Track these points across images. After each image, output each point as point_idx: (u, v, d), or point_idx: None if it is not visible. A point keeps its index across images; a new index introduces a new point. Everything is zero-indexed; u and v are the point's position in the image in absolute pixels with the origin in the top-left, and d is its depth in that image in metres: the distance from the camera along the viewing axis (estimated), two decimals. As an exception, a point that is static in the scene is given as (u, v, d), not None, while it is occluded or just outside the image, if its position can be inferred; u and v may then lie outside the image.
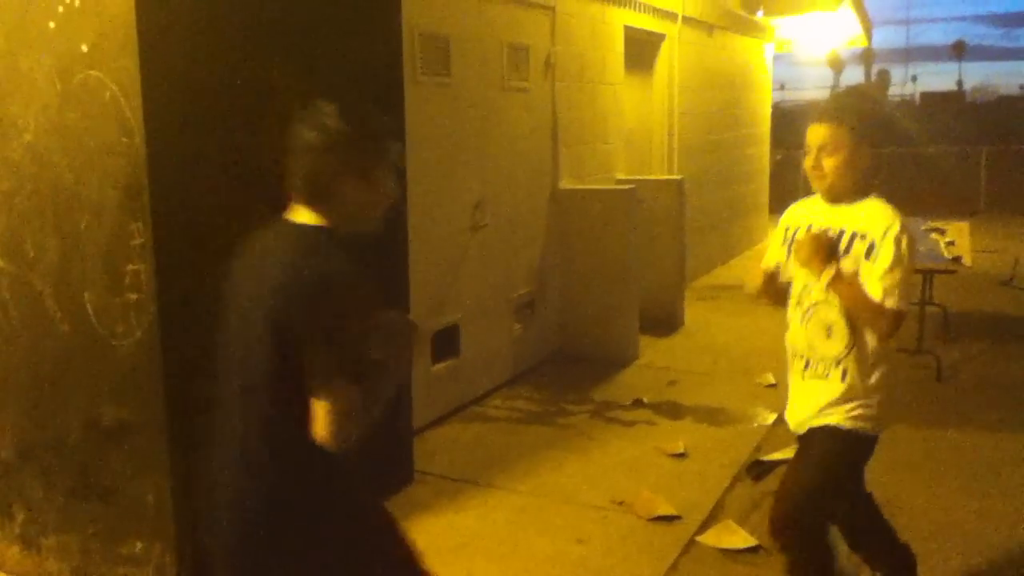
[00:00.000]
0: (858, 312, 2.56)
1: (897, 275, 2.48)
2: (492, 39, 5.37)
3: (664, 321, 6.95)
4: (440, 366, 5.09)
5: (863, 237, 2.54)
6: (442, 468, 4.39)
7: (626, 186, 6.25)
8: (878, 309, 2.50)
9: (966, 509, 3.87)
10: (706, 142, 9.24)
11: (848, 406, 2.61)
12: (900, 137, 17.29)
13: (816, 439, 2.68)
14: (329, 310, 1.78)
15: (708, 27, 9.05)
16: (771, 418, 4.99)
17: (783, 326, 2.78)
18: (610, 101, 6.94)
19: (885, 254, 2.49)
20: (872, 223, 2.55)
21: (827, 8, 10.81)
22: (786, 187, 12.42)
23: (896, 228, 2.51)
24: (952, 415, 5.03)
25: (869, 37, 12.65)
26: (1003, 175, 15.04)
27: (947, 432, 4.78)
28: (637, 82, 7.85)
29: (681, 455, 4.48)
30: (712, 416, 5.08)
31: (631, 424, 4.98)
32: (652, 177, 7.71)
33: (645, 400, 5.33)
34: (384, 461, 4.05)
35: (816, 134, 2.58)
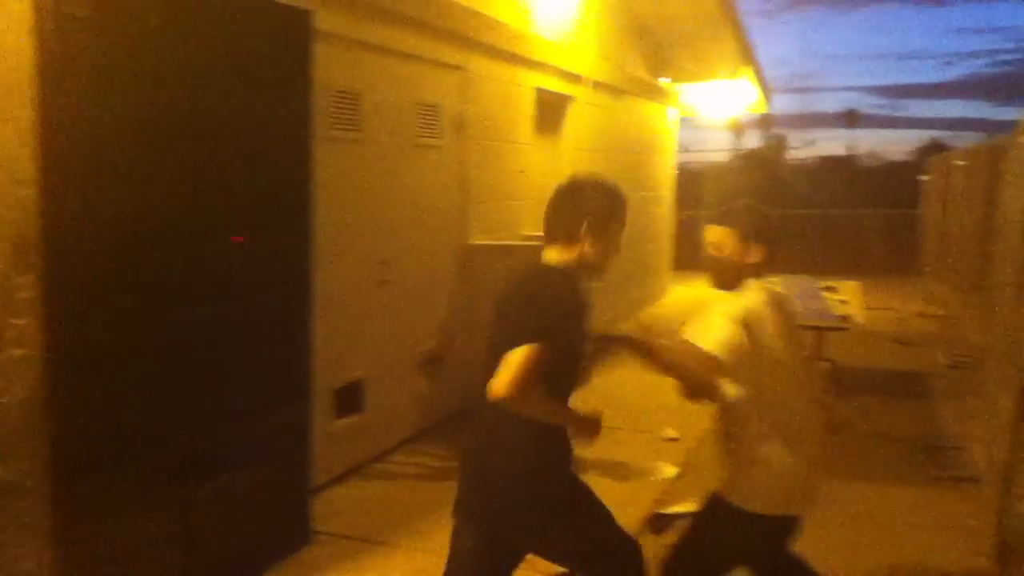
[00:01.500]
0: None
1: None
2: (404, 97, 5.44)
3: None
4: (342, 422, 5.02)
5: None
6: (342, 528, 4.30)
7: (535, 242, 6.34)
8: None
9: (853, 558, 4.01)
10: (612, 201, 9.48)
11: None
12: (797, 199, 18.15)
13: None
14: (550, 312, 2.44)
15: (615, 91, 9.37)
16: (672, 472, 5.08)
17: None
18: (519, 160, 7.08)
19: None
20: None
21: (728, 77, 11.37)
22: (693, 246, 12.82)
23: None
24: (842, 467, 5.22)
25: (766, 104, 13.31)
26: (894, 237, 15.93)
27: (837, 484, 4.96)
28: (546, 142, 8.04)
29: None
30: (614, 471, 5.14)
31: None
32: (559, 235, 7.85)
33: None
34: (279, 521, 3.96)
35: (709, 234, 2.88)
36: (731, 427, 2.73)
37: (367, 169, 5.11)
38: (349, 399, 5.08)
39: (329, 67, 4.64)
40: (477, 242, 6.31)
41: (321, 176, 4.34)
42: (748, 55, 11.22)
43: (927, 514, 4.55)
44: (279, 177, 3.77)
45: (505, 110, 6.80)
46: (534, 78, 7.26)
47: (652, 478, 5.05)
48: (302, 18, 3.85)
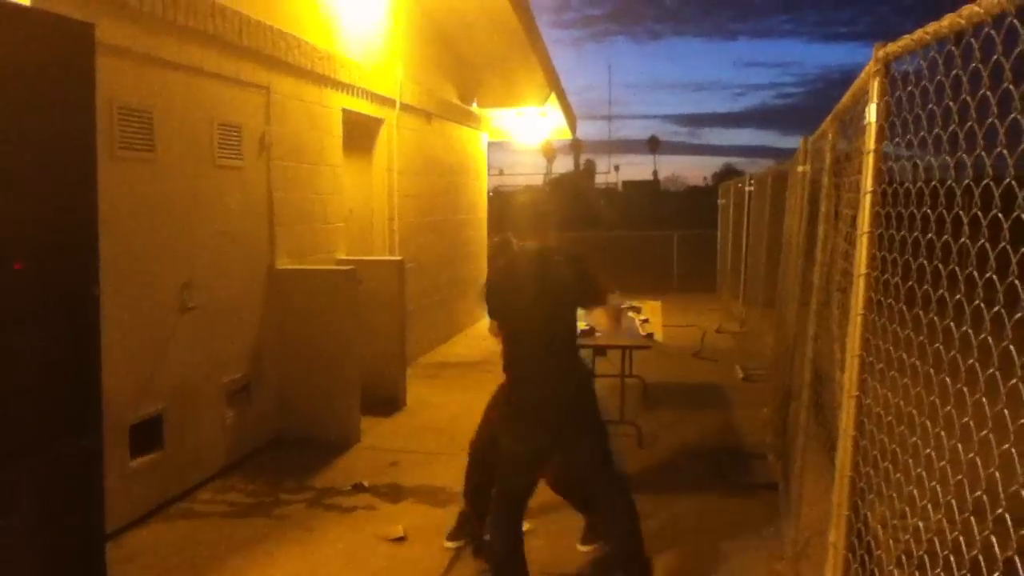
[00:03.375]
0: None
1: None
2: (202, 116, 5.21)
3: (386, 401, 6.95)
4: (140, 460, 4.69)
5: None
6: (140, 573, 4.01)
7: (346, 266, 6.24)
8: None
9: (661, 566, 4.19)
10: (426, 224, 9.52)
11: None
12: (604, 222, 18.96)
13: None
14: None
15: (426, 115, 9.43)
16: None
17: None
18: (329, 182, 6.95)
19: None
20: None
21: (533, 104, 11.73)
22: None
23: None
24: (650, 479, 5.45)
25: (573, 130, 13.84)
26: (692, 257, 16.96)
27: (647, 495, 5.17)
28: (357, 164, 7.95)
29: (401, 539, 4.44)
30: (433, 496, 5.10)
31: (351, 510, 4.86)
32: (373, 257, 7.78)
33: (366, 484, 5.25)
34: (71, 568, 3.63)
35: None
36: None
37: (163, 190, 4.83)
38: (147, 435, 4.76)
39: (116, 83, 4.37)
40: (285, 267, 6.13)
41: (111, 197, 4.07)
42: (554, 83, 11.63)
43: (726, 519, 4.82)
44: (61, 199, 3.49)
45: (312, 132, 6.66)
46: (342, 99, 7.17)
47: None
48: (84, 30, 3.60)
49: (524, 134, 13.02)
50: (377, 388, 6.77)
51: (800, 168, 5.25)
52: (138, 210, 4.61)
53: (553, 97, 11.84)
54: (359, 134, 7.86)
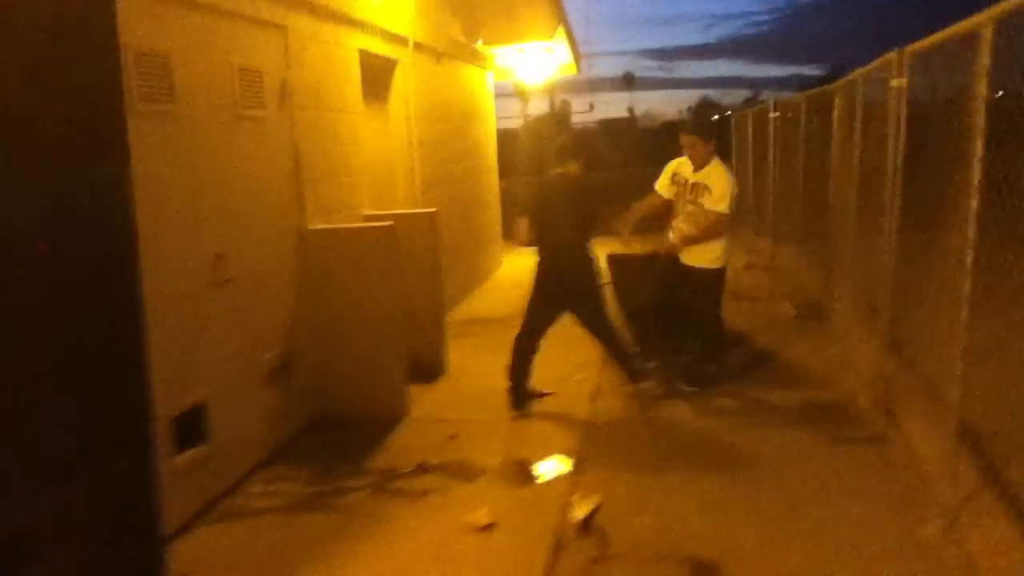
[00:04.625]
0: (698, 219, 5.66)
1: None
2: (221, 59, 4.56)
3: (426, 367, 6.43)
4: (185, 456, 4.16)
5: (706, 187, 5.61)
6: (206, 590, 3.52)
7: (382, 223, 5.65)
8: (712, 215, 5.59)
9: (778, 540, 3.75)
10: (444, 173, 8.90)
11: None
12: (603, 162, 18.37)
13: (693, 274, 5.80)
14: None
15: (436, 54, 8.74)
16: (570, 464, 4.66)
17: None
18: (351, 131, 6.32)
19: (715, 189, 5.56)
20: (710, 178, 5.60)
21: (541, 39, 11.02)
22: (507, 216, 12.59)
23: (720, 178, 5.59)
24: (761, 449, 5.00)
25: (579, 66, 13.15)
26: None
27: (761, 472, 4.73)
28: (375, 111, 7.30)
29: (489, 527, 3.96)
30: (508, 471, 4.63)
31: (422, 495, 4.37)
32: (402, 211, 7.18)
33: (431, 462, 4.76)
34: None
35: (685, 139, 5.77)
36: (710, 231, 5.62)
37: (187, 148, 4.22)
38: (190, 427, 4.23)
39: (130, 25, 3.72)
40: (318, 227, 5.54)
41: (135, 158, 3.46)
42: (561, 15, 10.93)
43: (843, 483, 4.38)
44: (90, 165, 2.89)
45: (331, 76, 6.00)
46: (358, 39, 6.50)
47: (553, 475, 4.60)
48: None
49: (529, 73, 12.32)
50: (415, 354, 6.23)
51: (894, 83, 4.69)
52: (161, 171, 4.00)
53: (560, 30, 11.14)
54: (375, 77, 7.19)
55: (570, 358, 6.69)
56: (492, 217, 11.28)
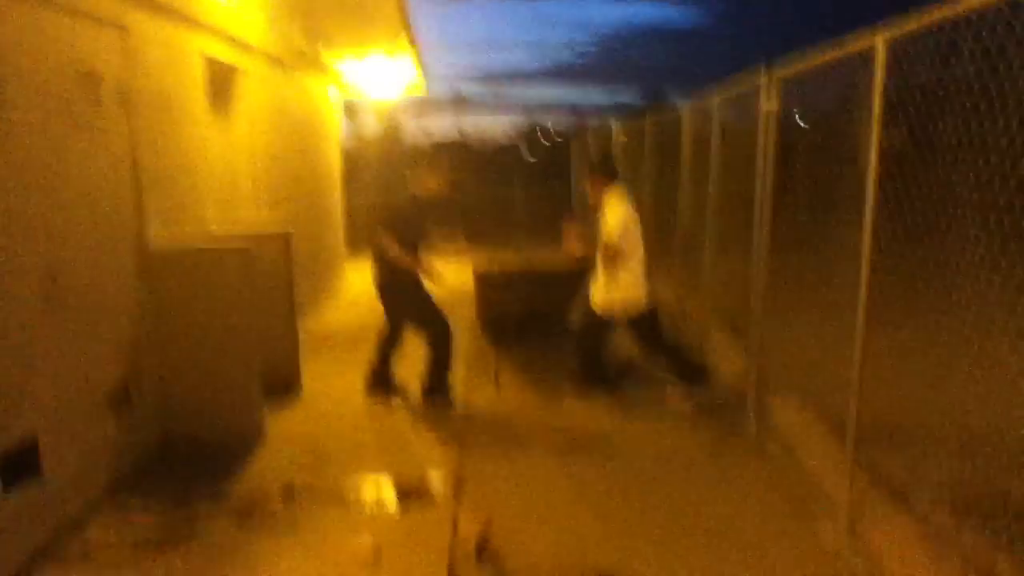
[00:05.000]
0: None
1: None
2: (54, 59, 4.17)
3: (282, 385, 6.15)
4: (16, 495, 3.74)
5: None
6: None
7: (237, 245, 5.34)
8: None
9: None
10: (289, 187, 8.59)
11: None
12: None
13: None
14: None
15: (282, 64, 8.45)
16: (449, 480, 4.54)
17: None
18: (195, 141, 5.96)
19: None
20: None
21: (386, 52, 10.89)
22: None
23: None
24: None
25: (425, 86, 13.08)
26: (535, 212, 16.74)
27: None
28: (220, 121, 6.95)
29: (374, 558, 3.75)
30: (384, 493, 4.45)
31: (292, 525, 4.11)
32: (251, 230, 6.85)
33: (297, 487, 4.52)
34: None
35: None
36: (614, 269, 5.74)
37: (15, 156, 3.81)
38: (21, 463, 3.80)
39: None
40: (160, 243, 5.17)
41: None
42: (408, 30, 10.85)
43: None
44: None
45: (175, 82, 5.65)
46: (202, 43, 6.15)
47: (429, 495, 4.47)
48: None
49: (376, 89, 12.16)
50: (269, 372, 5.93)
51: (765, 106, 4.91)
52: (-13, 180, 3.60)
53: (407, 45, 11.06)
54: (220, 86, 6.84)
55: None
56: (336, 233, 11.02)
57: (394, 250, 5.65)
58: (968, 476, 3.69)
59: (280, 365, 6.19)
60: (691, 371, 6.02)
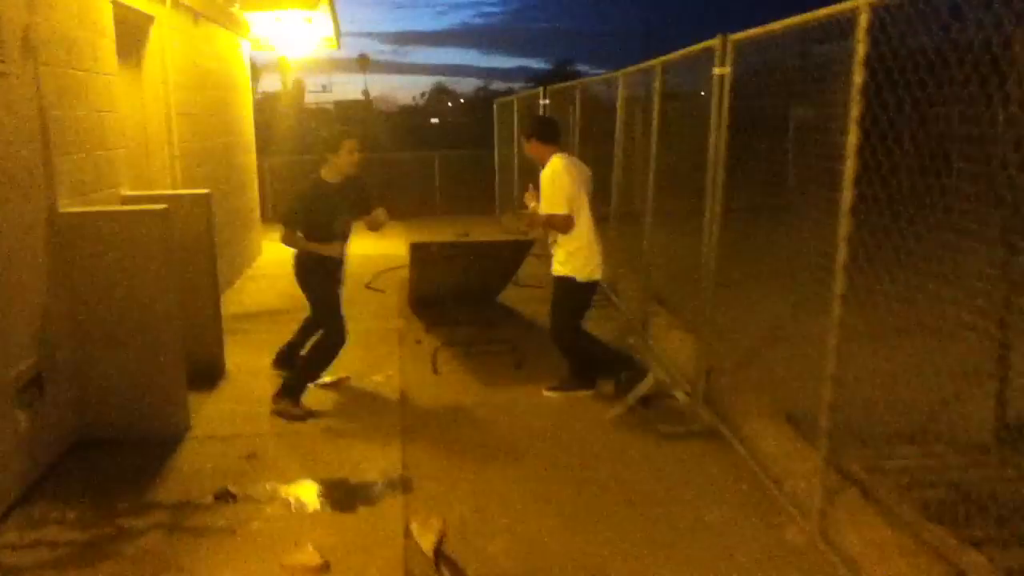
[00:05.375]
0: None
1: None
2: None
3: (204, 371, 5.61)
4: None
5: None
6: None
7: (153, 205, 4.78)
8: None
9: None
10: (204, 149, 7.93)
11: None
12: (371, 142, 17.69)
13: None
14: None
15: (194, 14, 7.74)
16: (396, 480, 4.18)
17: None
18: (105, 96, 5.31)
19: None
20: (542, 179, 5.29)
21: (306, 6, 10.21)
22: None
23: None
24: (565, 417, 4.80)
25: (339, 40, 12.41)
26: (454, 179, 16.25)
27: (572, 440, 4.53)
28: (130, 74, 6.27)
29: (322, 569, 3.38)
30: (327, 496, 4.05)
31: (230, 532, 3.66)
32: (166, 192, 6.22)
33: (231, 489, 4.07)
34: None
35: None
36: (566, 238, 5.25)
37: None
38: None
39: None
40: (75, 210, 4.57)
41: None
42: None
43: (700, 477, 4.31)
44: None
45: (82, 29, 4.99)
46: (113, -14, 5.49)
47: (378, 495, 4.10)
48: None
49: (288, 44, 11.43)
50: (191, 356, 5.40)
51: (717, 71, 4.67)
52: None
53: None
54: (130, 35, 6.16)
55: (368, 356, 6.19)
56: (252, 199, 10.34)
57: (292, 241, 5.03)
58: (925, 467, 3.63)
59: (203, 347, 5.65)
60: (586, 373, 5.45)
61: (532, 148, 5.42)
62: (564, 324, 5.44)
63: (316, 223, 5.02)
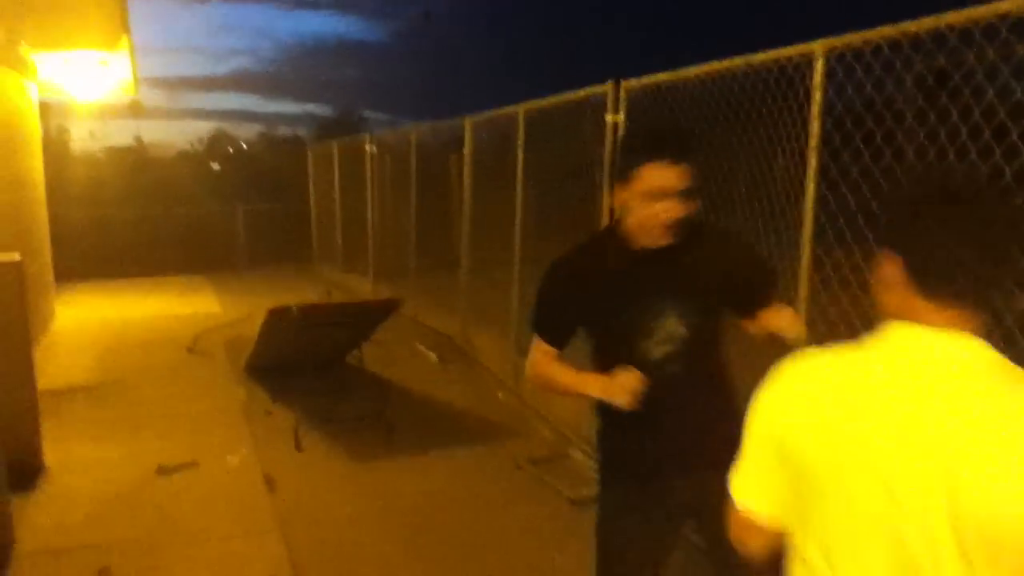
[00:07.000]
0: None
1: None
2: None
3: (19, 468, 4.73)
4: None
5: None
6: None
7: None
8: None
9: None
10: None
11: None
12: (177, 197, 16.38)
13: None
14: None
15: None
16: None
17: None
18: None
19: None
20: None
21: (102, 48, 9.30)
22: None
23: None
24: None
25: (137, 86, 11.43)
26: (258, 232, 15.38)
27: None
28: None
29: None
30: None
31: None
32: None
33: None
34: None
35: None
36: None
37: None
38: None
39: None
40: None
41: None
42: (126, 23, 9.34)
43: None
44: None
45: None
46: None
47: None
48: None
49: (82, 89, 10.34)
50: (3, 451, 4.55)
51: (610, 118, 4.62)
52: None
53: (125, 41, 9.52)
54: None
55: (215, 433, 5.54)
56: (45, 259, 9.17)
57: None
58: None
59: (17, 440, 4.77)
60: None
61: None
62: None
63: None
